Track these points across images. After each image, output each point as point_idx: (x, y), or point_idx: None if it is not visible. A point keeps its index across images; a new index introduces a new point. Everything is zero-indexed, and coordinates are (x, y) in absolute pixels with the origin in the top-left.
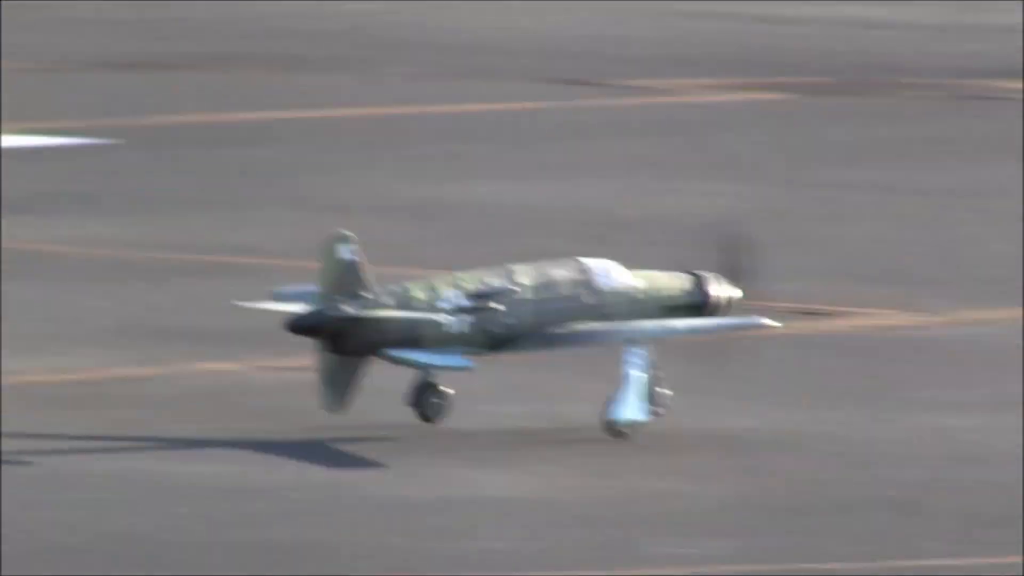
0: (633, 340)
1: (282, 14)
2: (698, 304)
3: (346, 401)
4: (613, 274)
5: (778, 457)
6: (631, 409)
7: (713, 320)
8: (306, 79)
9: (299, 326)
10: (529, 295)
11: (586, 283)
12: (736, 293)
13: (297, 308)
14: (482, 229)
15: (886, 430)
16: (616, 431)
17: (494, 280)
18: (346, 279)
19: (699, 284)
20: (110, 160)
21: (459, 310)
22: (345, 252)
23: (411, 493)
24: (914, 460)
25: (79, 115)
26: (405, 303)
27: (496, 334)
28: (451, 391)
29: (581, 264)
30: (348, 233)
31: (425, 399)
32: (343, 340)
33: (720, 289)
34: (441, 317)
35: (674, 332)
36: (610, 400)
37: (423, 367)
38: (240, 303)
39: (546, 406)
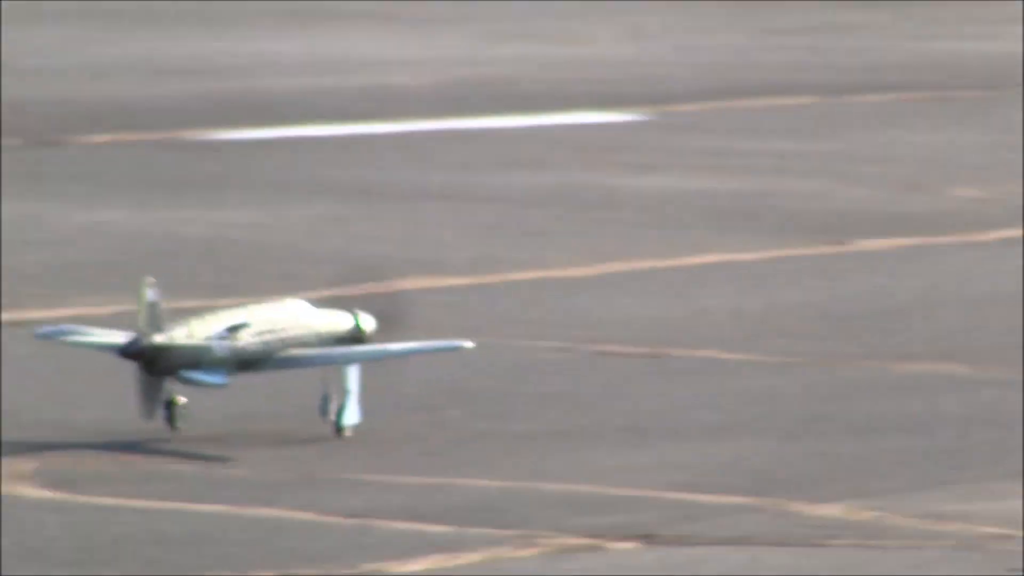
0: (351, 361)
1: None
2: (357, 336)
3: (155, 410)
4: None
5: None
6: (353, 415)
7: (419, 344)
8: None
9: (126, 353)
10: (256, 330)
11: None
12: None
13: (120, 338)
14: None
15: None
16: (341, 432)
17: (237, 318)
18: (151, 316)
19: (357, 320)
20: None
21: (220, 339)
22: (150, 294)
23: None
24: None
25: None
26: (188, 335)
27: (243, 359)
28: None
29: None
30: (151, 279)
31: (169, 411)
32: (153, 364)
33: (369, 323)
34: (213, 344)
35: (389, 354)
36: (336, 408)
37: (200, 383)
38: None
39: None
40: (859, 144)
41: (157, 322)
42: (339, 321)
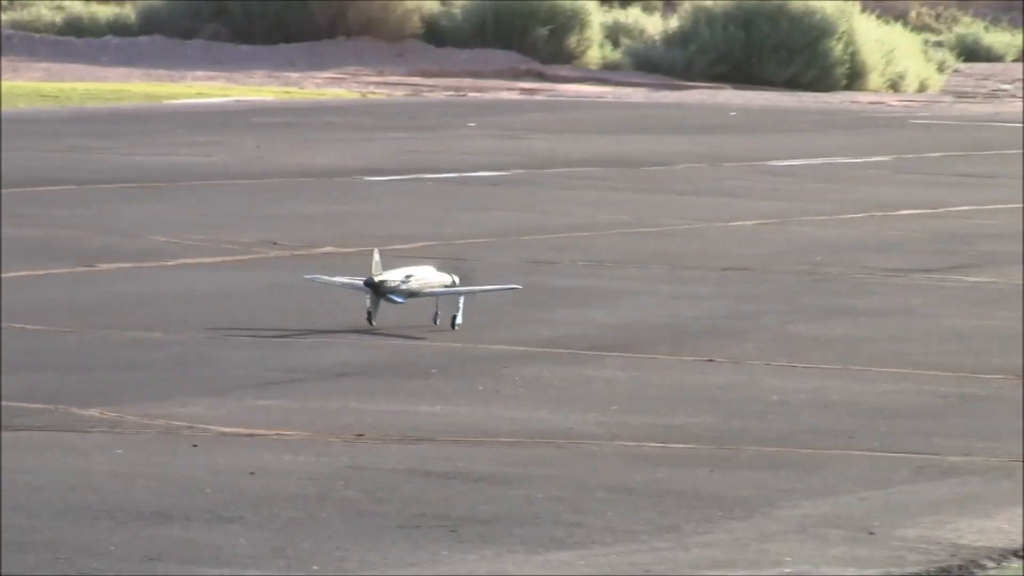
0: (459, 294)
1: None
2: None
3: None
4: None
5: None
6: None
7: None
8: None
9: (367, 284)
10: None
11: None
12: None
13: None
14: None
15: None
16: (455, 327)
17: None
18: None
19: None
20: None
21: (404, 281)
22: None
23: None
24: None
25: None
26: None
27: (411, 293)
28: None
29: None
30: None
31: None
32: (377, 290)
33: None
34: (400, 283)
35: (474, 292)
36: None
37: (394, 302)
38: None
39: None
40: None
41: (378, 269)
42: (445, 276)
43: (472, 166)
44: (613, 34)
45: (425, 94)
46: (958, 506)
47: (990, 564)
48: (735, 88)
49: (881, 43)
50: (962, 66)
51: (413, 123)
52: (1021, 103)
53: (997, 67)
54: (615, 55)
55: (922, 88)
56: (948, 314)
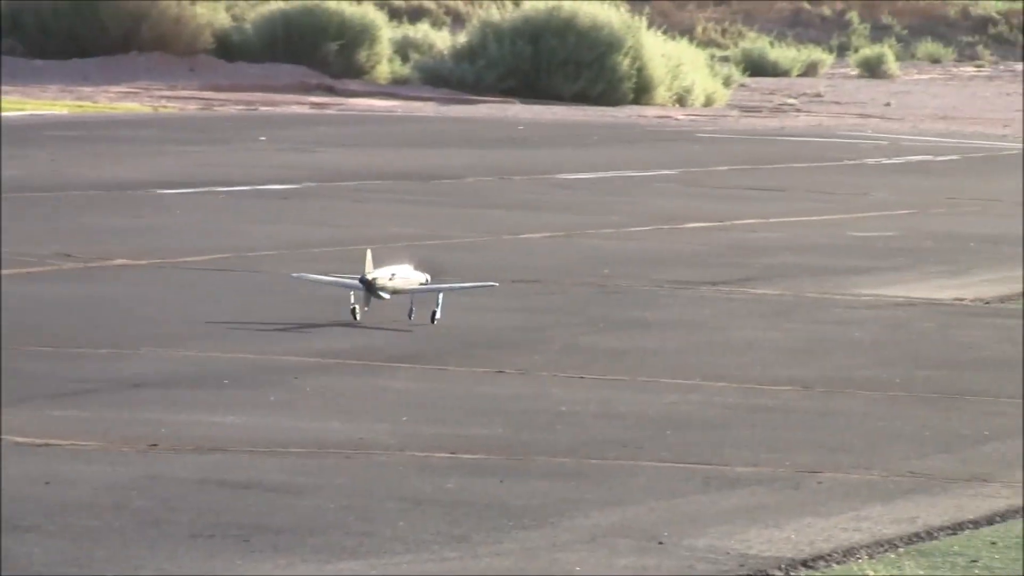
0: (438, 291)
1: None
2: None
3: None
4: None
5: None
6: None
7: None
8: None
9: (361, 281)
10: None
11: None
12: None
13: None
14: None
15: None
16: (434, 321)
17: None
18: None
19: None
20: None
21: (388, 279)
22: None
23: None
24: None
25: None
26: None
27: (394, 291)
28: None
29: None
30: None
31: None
32: (369, 288)
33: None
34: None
35: (450, 289)
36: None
37: (380, 298)
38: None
39: None
40: None
41: (370, 268)
42: (421, 275)
43: (263, 179)
44: (402, 49)
45: (216, 108)
46: (747, 516)
47: (778, 574)
48: (523, 102)
49: (668, 58)
50: (748, 81)
51: (205, 136)
52: (805, 117)
53: (783, 82)
54: (404, 70)
55: (708, 102)
56: (735, 326)
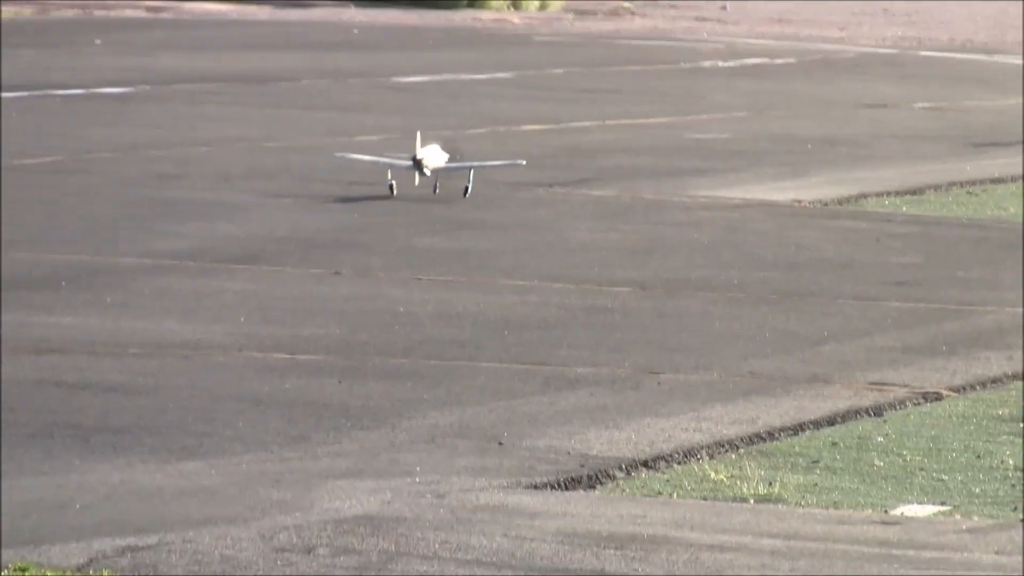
0: (466, 168)
1: None
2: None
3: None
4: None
5: None
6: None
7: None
8: None
9: (412, 161)
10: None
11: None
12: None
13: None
14: None
15: None
16: (466, 194)
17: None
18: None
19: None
20: None
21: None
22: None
23: None
24: None
25: None
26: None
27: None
28: None
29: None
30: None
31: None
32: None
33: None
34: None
35: (481, 166)
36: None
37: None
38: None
39: None
40: None
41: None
42: (445, 155)
43: (99, 83)
44: None
45: (52, 12)
46: (586, 416)
47: (619, 474)
48: (358, 5)
49: None
50: None
51: (40, 40)
52: (641, 20)
53: None
54: None
55: (544, 6)
56: (572, 227)
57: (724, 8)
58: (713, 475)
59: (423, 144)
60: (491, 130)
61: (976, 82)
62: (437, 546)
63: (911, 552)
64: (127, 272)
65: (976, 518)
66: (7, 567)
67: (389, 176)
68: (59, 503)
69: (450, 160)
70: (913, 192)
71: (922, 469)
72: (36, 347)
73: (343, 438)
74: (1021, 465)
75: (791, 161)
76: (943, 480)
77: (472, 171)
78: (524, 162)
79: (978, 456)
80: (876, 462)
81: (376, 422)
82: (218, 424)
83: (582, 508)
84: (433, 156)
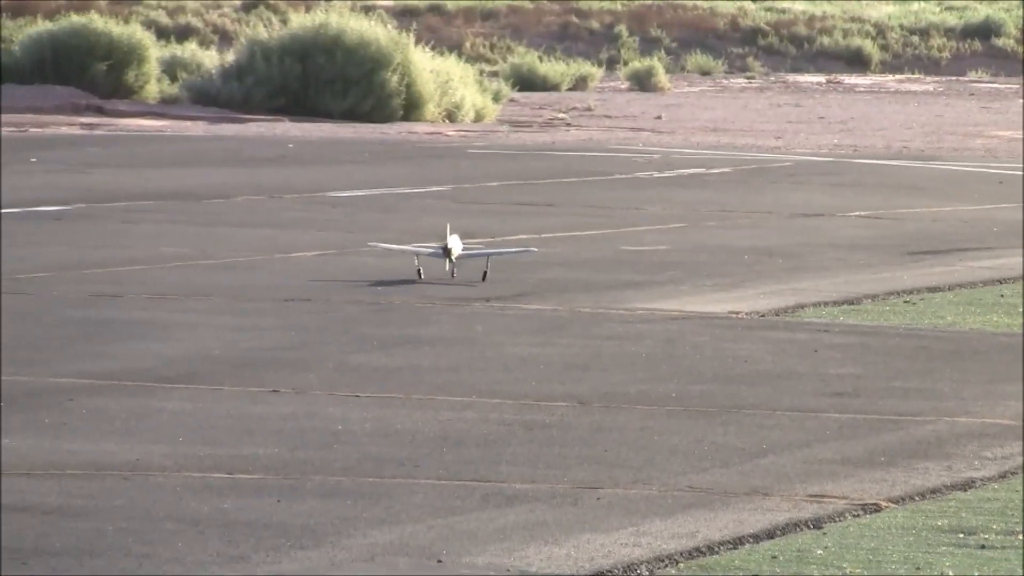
0: (483, 256)
1: None
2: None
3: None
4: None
5: None
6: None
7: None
8: None
9: (442, 249)
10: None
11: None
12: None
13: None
14: None
15: None
16: (485, 278)
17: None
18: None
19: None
20: None
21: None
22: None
23: None
24: None
25: None
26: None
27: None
28: None
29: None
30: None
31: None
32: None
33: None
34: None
35: (495, 254)
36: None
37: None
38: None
39: None
40: None
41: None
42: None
43: (35, 201)
44: (171, 68)
45: None
46: (526, 533)
47: None
48: (293, 120)
49: (437, 74)
50: (518, 96)
51: None
52: (576, 132)
53: (553, 96)
54: (173, 89)
55: (479, 118)
56: (510, 342)
57: (659, 118)
58: None
59: (449, 233)
60: None
61: (912, 189)
62: None
63: None
64: (64, 392)
65: None
66: None
67: (416, 263)
68: None
69: (465, 249)
70: (850, 302)
71: None
72: None
73: (282, 558)
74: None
75: (728, 272)
76: None
77: (489, 258)
78: (536, 249)
79: (917, 567)
80: (815, 575)
81: (315, 541)
82: (157, 545)
83: None
84: (456, 244)
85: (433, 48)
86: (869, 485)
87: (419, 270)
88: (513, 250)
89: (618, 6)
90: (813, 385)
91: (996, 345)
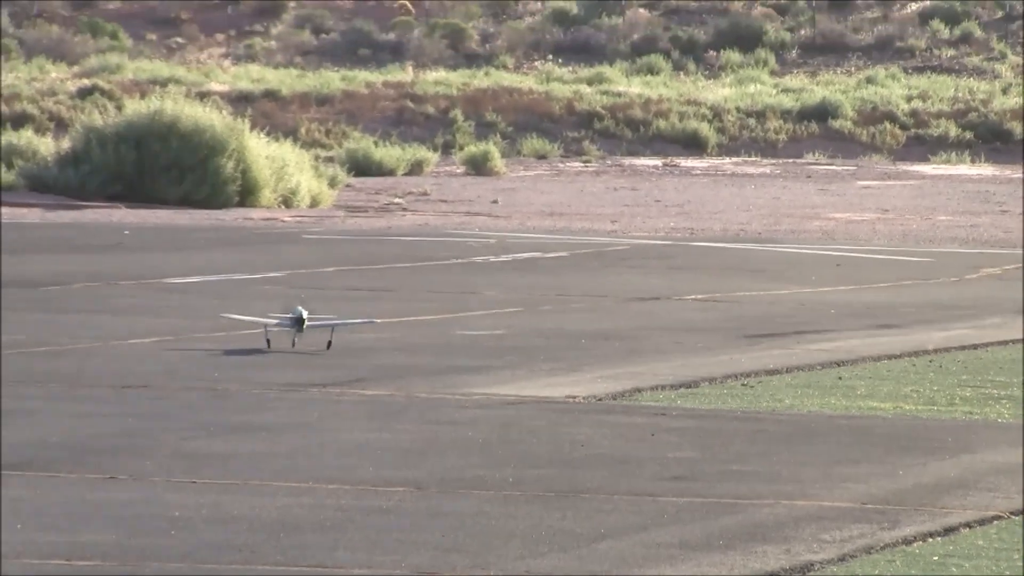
0: (329, 326)
1: None
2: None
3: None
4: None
5: None
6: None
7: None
8: None
9: (294, 319)
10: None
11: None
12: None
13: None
14: None
15: None
16: (329, 347)
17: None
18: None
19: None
20: None
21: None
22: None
23: None
24: None
25: None
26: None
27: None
28: None
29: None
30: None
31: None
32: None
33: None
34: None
35: (338, 325)
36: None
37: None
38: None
39: None
40: None
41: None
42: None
43: None
44: (7, 156)
45: None
46: None
47: None
48: (129, 207)
49: (272, 159)
50: (354, 181)
51: None
52: (412, 216)
53: (388, 181)
54: (9, 176)
55: (315, 203)
56: (346, 427)
57: (496, 202)
58: None
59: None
60: (255, 332)
61: (750, 272)
62: None
63: None
64: None
65: None
66: None
67: (266, 332)
68: None
69: (310, 318)
70: (688, 385)
71: None
72: None
73: None
74: None
75: (564, 356)
76: None
77: (333, 328)
78: (379, 320)
79: None
80: None
81: None
82: None
83: None
84: (305, 315)
85: (268, 134)
86: (708, 569)
87: (268, 340)
88: (356, 320)
89: (453, 90)
90: (651, 469)
91: (834, 427)
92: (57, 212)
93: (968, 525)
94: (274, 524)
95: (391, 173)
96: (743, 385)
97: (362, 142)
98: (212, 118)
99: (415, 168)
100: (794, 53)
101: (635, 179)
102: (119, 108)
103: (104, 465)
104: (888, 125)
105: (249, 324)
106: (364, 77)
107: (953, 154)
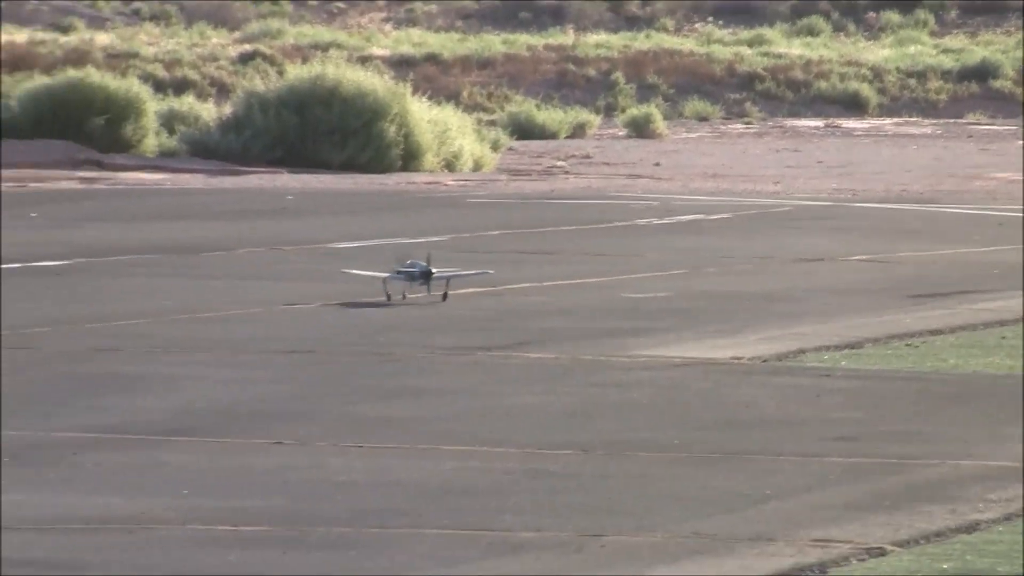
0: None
1: None
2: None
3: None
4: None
5: None
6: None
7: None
8: None
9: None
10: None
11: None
12: None
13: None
14: None
15: None
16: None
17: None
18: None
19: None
20: None
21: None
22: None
23: None
24: None
25: None
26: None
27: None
28: None
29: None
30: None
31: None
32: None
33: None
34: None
35: (459, 276)
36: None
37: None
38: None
39: None
40: None
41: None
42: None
43: (35, 256)
44: (169, 122)
45: None
46: None
47: None
48: (291, 172)
49: (434, 124)
50: (516, 144)
51: None
52: (575, 180)
53: (551, 144)
54: (172, 142)
55: (477, 167)
56: (512, 391)
57: (658, 165)
58: None
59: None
60: (426, 295)
61: (912, 233)
62: None
63: None
64: (67, 447)
65: None
66: None
67: (385, 287)
68: None
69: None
70: (852, 346)
71: None
72: None
73: None
74: None
75: (729, 318)
76: None
77: (448, 280)
78: (493, 271)
79: None
80: None
81: None
82: None
83: None
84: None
85: (430, 98)
86: (873, 529)
87: (388, 295)
88: (472, 272)
89: (614, 53)
90: (816, 430)
91: (998, 387)
92: (219, 178)
93: None
94: (440, 488)
95: (553, 136)
96: (907, 345)
97: (524, 105)
98: (374, 82)
99: (577, 131)
100: (953, 14)
101: (797, 140)
102: (280, 73)
103: (269, 430)
104: None
105: (371, 280)
106: (525, 40)
107: None
